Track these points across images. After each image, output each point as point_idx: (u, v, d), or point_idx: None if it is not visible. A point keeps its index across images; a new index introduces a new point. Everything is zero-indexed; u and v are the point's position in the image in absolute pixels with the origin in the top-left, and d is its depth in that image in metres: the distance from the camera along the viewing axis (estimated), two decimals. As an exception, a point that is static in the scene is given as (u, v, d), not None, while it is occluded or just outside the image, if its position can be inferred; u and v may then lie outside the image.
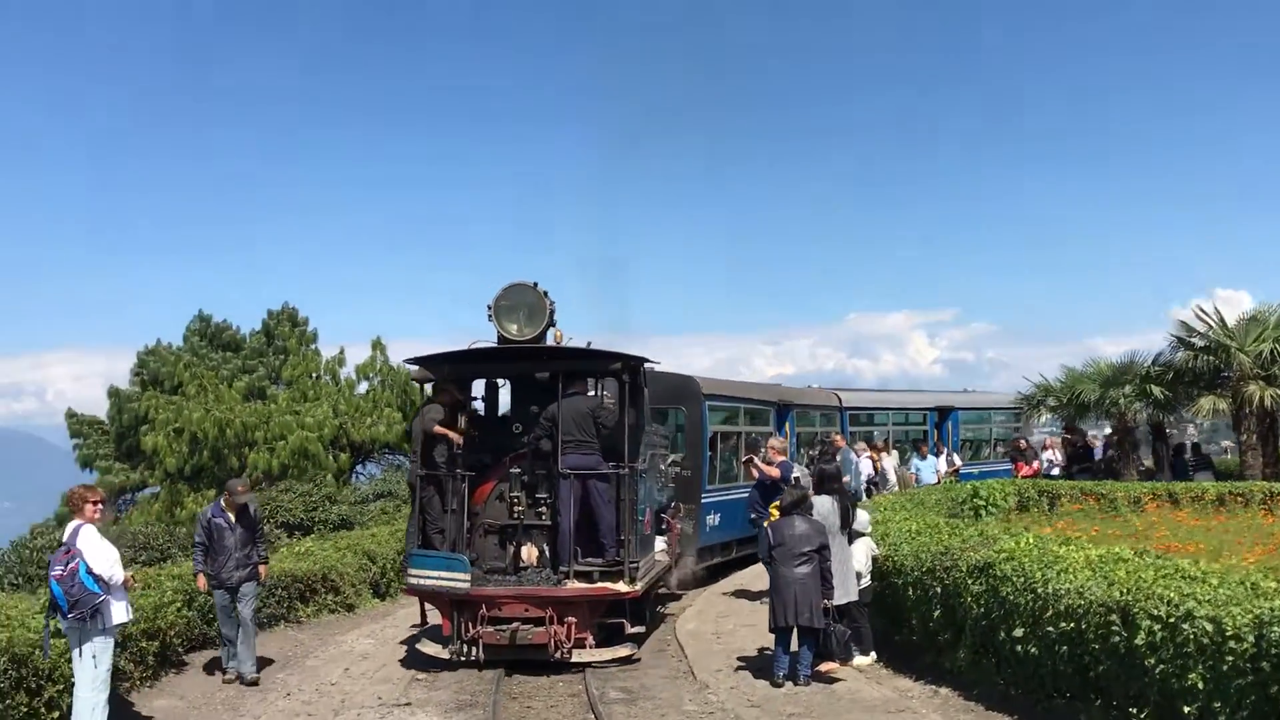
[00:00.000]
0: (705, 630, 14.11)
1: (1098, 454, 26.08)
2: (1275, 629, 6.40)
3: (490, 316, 12.47)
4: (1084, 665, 8.43)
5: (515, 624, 11.54)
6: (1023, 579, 9.17)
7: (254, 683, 11.50)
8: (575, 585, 11.78)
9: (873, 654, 11.55)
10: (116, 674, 10.33)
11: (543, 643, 11.41)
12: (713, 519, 18.52)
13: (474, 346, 12.49)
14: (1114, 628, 7.80)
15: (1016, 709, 9.29)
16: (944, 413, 28.10)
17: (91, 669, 9.08)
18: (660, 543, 14.44)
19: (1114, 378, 23.90)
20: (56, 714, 9.48)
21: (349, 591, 16.29)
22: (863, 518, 12.09)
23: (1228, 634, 6.70)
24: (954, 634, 10.41)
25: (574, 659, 11.52)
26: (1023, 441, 26.97)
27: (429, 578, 11.95)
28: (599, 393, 13.21)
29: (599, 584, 11.82)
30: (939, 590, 10.63)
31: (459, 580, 11.67)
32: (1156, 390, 23.00)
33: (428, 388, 13.47)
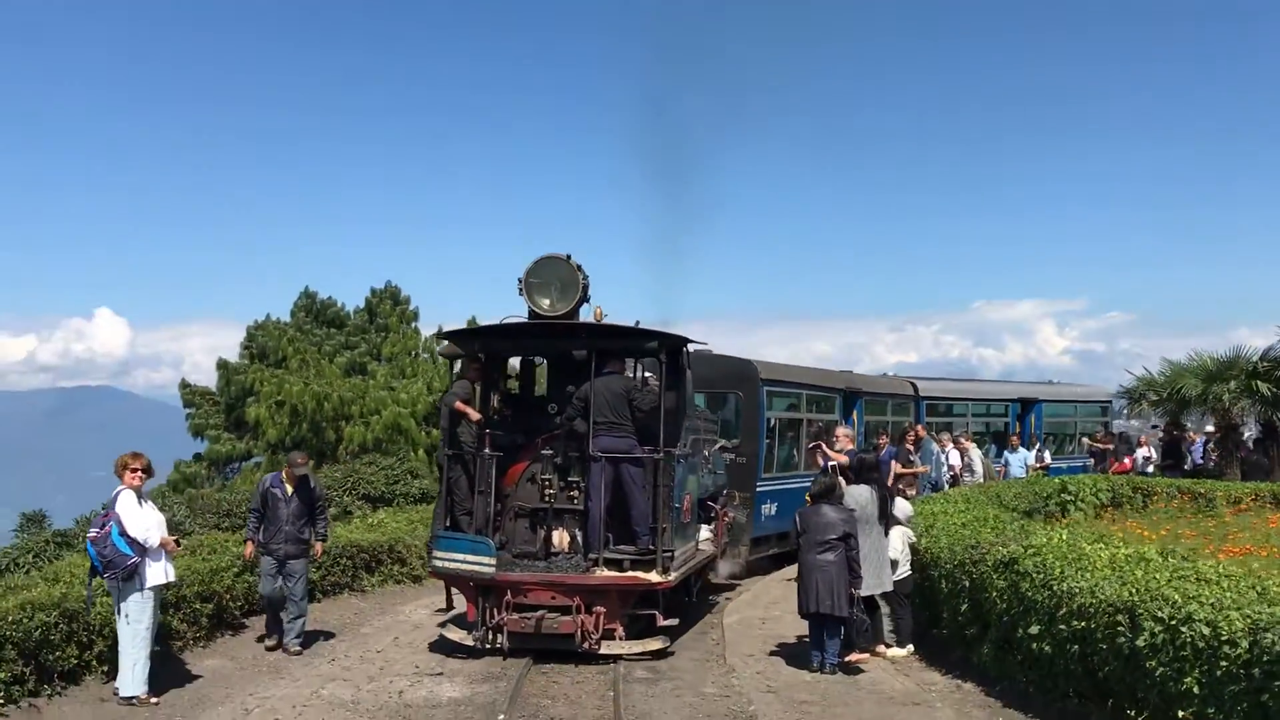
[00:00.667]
0: (752, 616, 14.09)
1: (1197, 451, 24.96)
2: (1269, 635, 6.23)
3: (521, 291, 11.84)
4: (1093, 666, 8.15)
5: (542, 612, 11.16)
6: (1042, 575, 8.97)
7: (298, 653, 11.71)
8: (604, 573, 11.31)
9: (910, 646, 11.41)
10: (169, 633, 11.16)
11: (569, 632, 10.99)
12: (769, 508, 18.03)
13: (506, 322, 12.07)
14: (1120, 628, 7.65)
15: (1033, 707, 9.07)
16: (1027, 405, 27.06)
17: (128, 626, 9.54)
18: (705, 532, 13.92)
19: (1218, 373, 22.72)
20: (106, 667, 9.94)
21: (416, 564, 16.50)
22: (903, 507, 12.01)
23: (1223, 638, 6.55)
24: (980, 629, 10.26)
25: (602, 650, 11.10)
26: (1103, 435, 26.14)
27: (454, 560, 11.57)
28: (639, 374, 12.79)
29: (629, 573, 11.33)
30: (967, 584, 10.47)
31: (484, 564, 11.29)
32: (1263, 387, 21.81)
33: (458, 366, 12.96)
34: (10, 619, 9.03)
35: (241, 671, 11.09)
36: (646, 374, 13.24)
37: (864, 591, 10.56)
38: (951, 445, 20.83)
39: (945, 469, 20.31)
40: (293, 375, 33.33)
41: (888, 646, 11.33)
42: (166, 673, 10.31)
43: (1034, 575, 9.08)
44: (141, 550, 9.54)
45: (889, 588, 11.11)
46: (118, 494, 9.70)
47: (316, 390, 32.18)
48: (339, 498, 21.81)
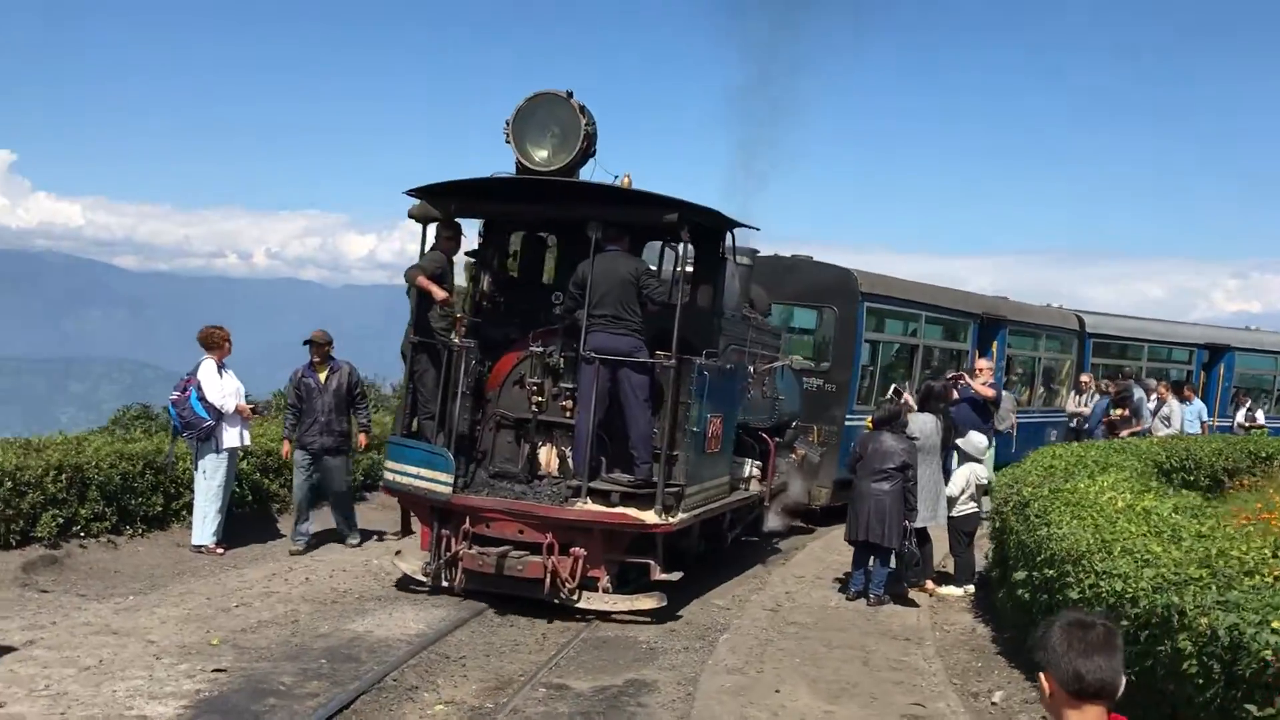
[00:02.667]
0: (816, 549, 12.42)
1: None
2: (1159, 598, 5.43)
3: (507, 138, 8.84)
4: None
5: (505, 548, 8.44)
6: (1041, 520, 7.93)
7: (355, 545, 10.88)
8: (586, 507, 8.45)
9: (970, 587, 10.15)
10: (270, 496, 11.68)
11: (536, 576, 8.28)
12: None
13: (487, 177, 9.10)
14: (1068, 579, 6.68)
15: (1018, 657, 7.78)
16: (1216, 352, 22.03)
17: (204, 481, 10.12)
18: (750, 469, 10.73)
19: None
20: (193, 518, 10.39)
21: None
22: (975, 442, 10.73)
23: (1128, 596, 5.79)
24: (1001, 574, 9.33)
25: (581, 603, 8.43)
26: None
27: (406, 475, 8.94)
28: (677, 261, 9.41)
29: (618, 509, 8.42)
30: (998, 525, 9.87)
31: (439, 483, 8.64)
32: None
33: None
34: (95, 464, 9.77)
35: (255, 562, 10.17)
36: (686, 266, 9.88)
37: (918, 524, 9.76)
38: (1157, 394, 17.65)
39: (1158, 420, 17.21)
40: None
41: (939, 583, 10.31)
42: (239, 530, 10.68)
43: (1034, 520, 8.11)
44: (218, 415, 10.09)
45: (944, 522, 10.14)
46: (200, 363, 10.30)
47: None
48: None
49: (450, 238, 9.51)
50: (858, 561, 9.69)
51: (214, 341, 10.30)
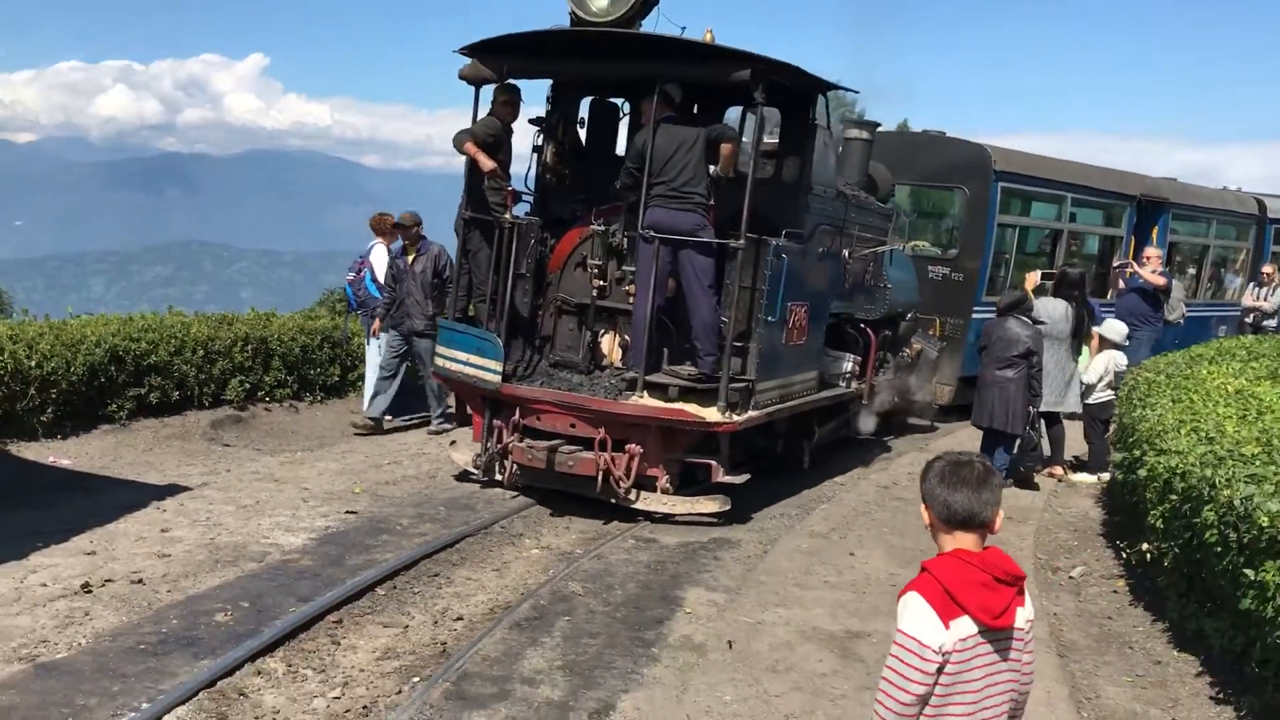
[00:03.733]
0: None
1: None
2: (1204, 474, 5.26)
3: None
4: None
5: (557, 442, 7.45)
6: (1140, 403, 7.66)
7: (440, 432, 10.22)
8: (642, 401, 7.30)
9: (1104, 474, 9.32)
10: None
11: (588, 474, 7.29)
12: None
13: (542, 30, 7.74)
14: (1143, 458, 6.29)
15: (1120, 534, 7.48)
16: None
17: (376, 355, 10.23)
18: (847, 364, 9.29)
19: None
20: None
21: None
22: (1116, 329, 10.01)
23: (1177, 471, 5.65)
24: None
25: (638, 504, 7.41)
26: None
27: (455, 361, 7.93)
28: (758, 129, 7.78)
29: (676, 405, 7.28)
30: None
31: (488, 370, 7.65)
32: None
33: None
34: (278, 337, 10.45)
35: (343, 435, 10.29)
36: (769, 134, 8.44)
37: (1044, 408, 9.34)
38: None
39: None
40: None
41: (1070, 469, 9.89)
42: (412, 403, 10.72)
43: (1135, 403, 7.82)
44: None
45: (1075, 408, 9.65)
46: (371, 246, 10.55)
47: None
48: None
49: (506, 102, 8.22)
50: (985, 447, 9.24)
51: (383, 228, 10.48)
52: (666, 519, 7.44)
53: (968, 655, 2.67)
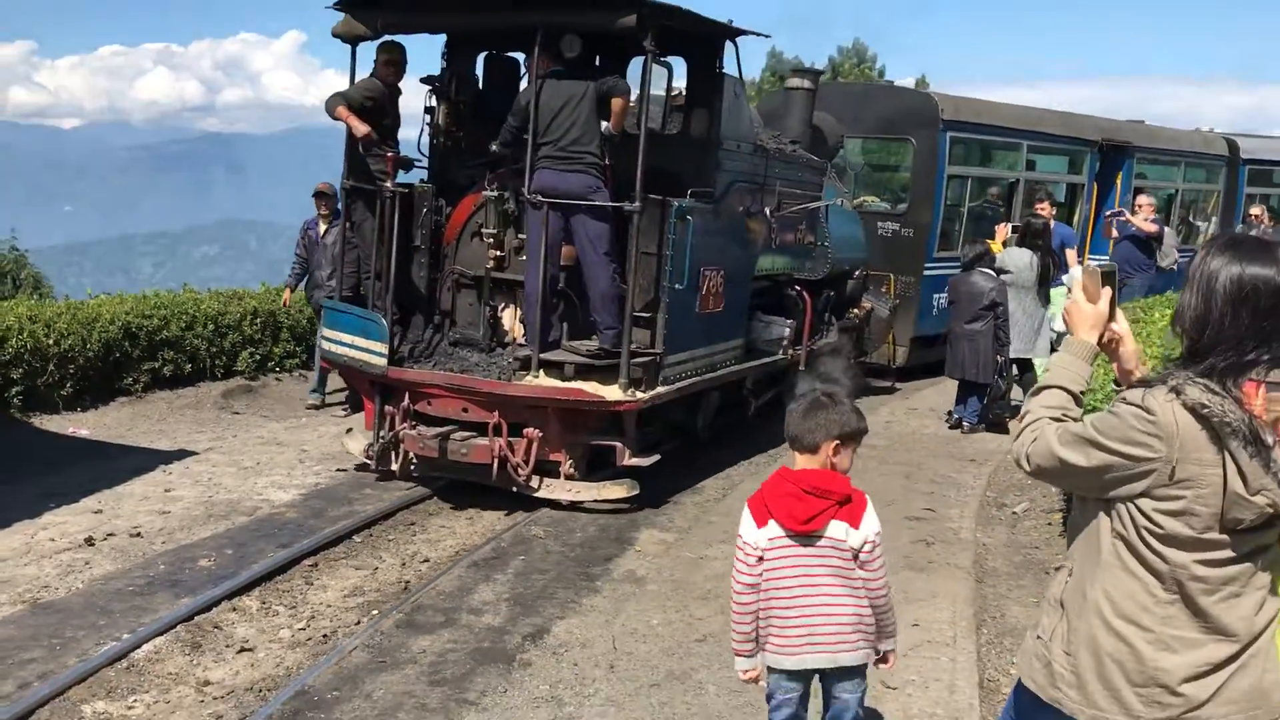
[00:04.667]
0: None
1: None
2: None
3: None
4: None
5: (450, 429, 6.78)
6: None
7: (316, 406, 9.88)
8: (535, 382, 6.68)
9: None
10: None
11: (483, 462, 6.62)
12: (942, 298, 11.59)
13: None
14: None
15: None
16: None
17: None
18: (781, 329, 8.54)
19: None
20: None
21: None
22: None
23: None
24: None
25: (541, 491, 6.75)
26: None
27: (341, 343, 7.25)
28: (644, 82, 6.71)
29: (573, 384, 6.66)
30: None
31: (373, 354, 6.94)
32: None
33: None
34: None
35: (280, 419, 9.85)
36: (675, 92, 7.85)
37: (1015, 355, 9.44)
38: None
39: None
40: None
41: None
42: None
43: None
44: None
45: (1044, 355, 9.43)
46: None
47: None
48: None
49: (387, 61, 7.36)
50: (959, 397, 9.61)
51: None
52: (575, 506, 6.80)
53: (778, 552, 3.14)
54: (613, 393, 6.56)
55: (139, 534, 6.15)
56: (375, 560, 5.95)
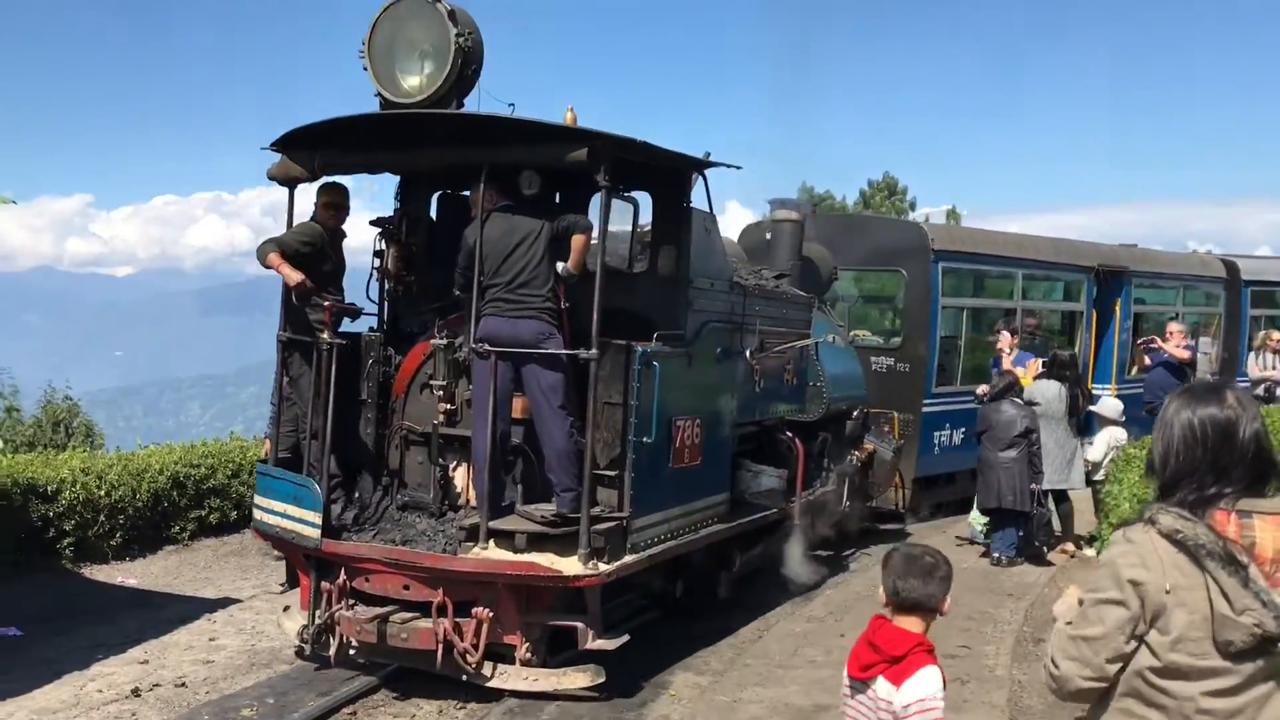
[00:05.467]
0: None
1: None
2: None
3: (364, 62, 5.98)
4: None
5: (389, 609, 5.90)
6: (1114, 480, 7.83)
7: None
8: (484, 555, 5.74)
9: None
10: None
11: (427, 648, 5.70)
12: (944, 435, 11.10)
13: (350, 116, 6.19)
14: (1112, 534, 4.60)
15: None
16: None
17: None
18: (770, 480, 7.62)
19: None
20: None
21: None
22: (1112, 406, 9.95)
23: None
24: None
25: (494, 681, 5.73)
26: None
27: (273, 513, 6.35)
28: (603, 219, 6.03)
29: (527, 556, 5.71)
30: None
31: (306, 524, 6.05)
32: None
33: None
34: None
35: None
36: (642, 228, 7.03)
37: (1046, 486, 9.20)
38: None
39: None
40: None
41: (1080, 545, 9.59)
42: None
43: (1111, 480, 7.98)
44: None
45: (1079, 485, 9.49)
46: None
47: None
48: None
49: (326, 204, 6.65)
50: (995, 527, 9.32)
51: None
52: (519, 695, 5.75)
53: (845, 693, 3.27)
54: (571, 566, 5.64)
55: (183, 684, 6.09)
56: (412, 707, 5.84)
